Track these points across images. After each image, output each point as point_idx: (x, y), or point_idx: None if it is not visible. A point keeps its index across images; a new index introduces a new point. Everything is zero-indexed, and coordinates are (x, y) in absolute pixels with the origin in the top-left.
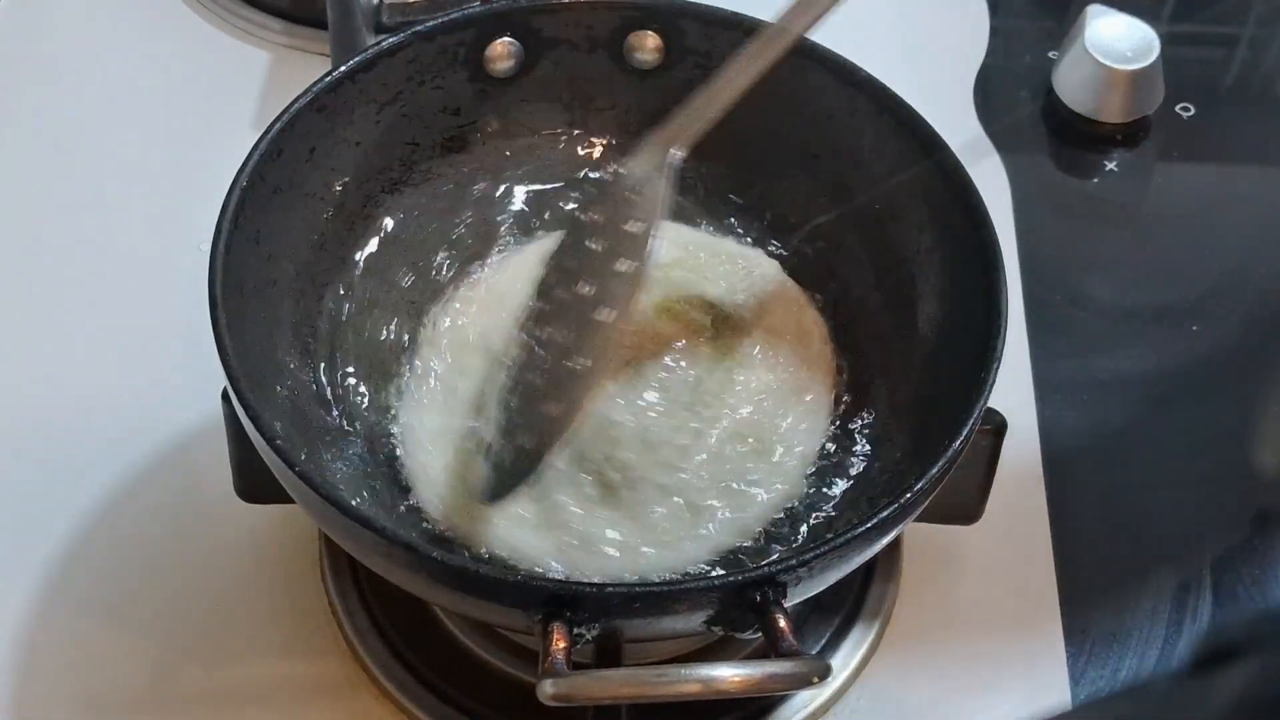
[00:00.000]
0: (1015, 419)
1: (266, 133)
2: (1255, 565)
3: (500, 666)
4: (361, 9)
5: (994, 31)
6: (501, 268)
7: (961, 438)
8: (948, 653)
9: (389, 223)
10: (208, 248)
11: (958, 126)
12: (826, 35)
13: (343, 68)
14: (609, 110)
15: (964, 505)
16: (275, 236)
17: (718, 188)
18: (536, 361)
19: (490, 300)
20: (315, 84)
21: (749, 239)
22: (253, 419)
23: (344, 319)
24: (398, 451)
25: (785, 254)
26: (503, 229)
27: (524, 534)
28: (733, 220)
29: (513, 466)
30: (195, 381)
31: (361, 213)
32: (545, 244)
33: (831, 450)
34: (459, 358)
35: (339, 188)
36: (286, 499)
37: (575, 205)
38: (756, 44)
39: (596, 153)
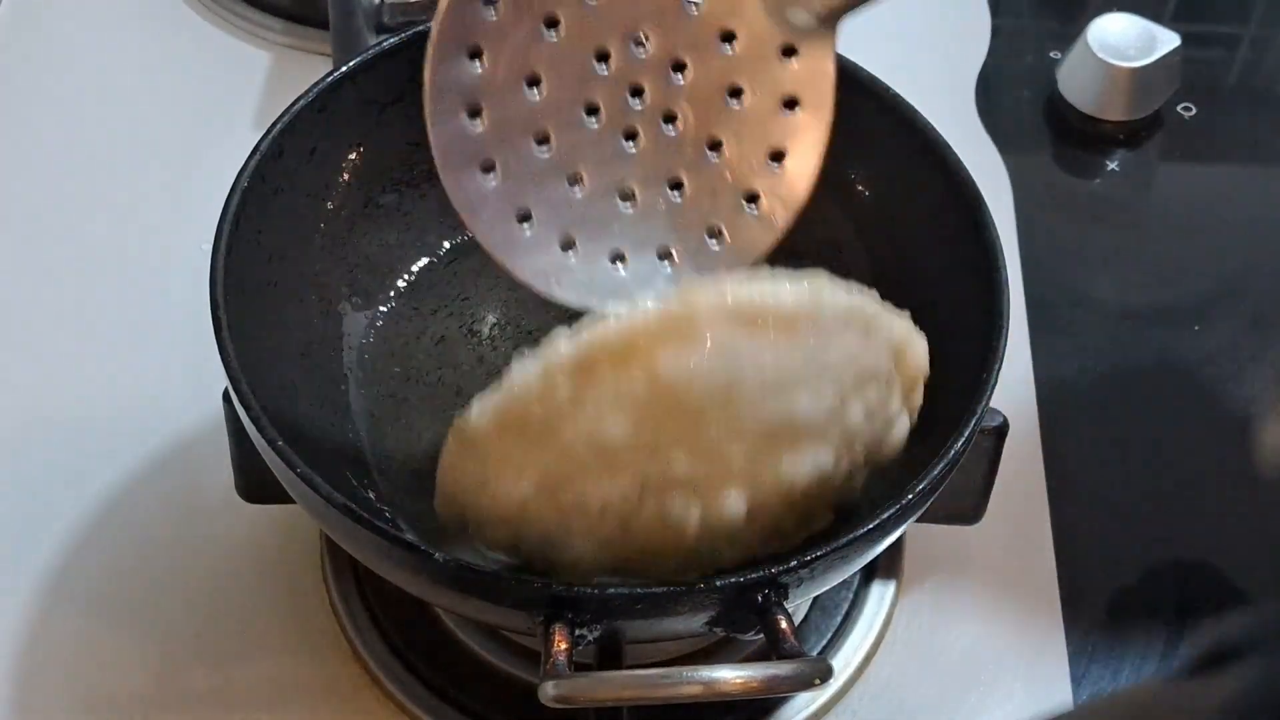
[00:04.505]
0: (1016, 420)
1: (268, 133)
2: (1258, 565)
3: (502, 667)
4: (363, 9)
5: (995, 31)
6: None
7: (963, 439)
8: (949, 653)
9: (391, 223)
10: (209, 248)
11: (959, 126)
12: None
13: (344, 68)
14: None
15: (965, 505)
16: (277, 237)
17: None
18: None
19: None
20: (316, 84)
21: None
22: (254, 420)
23: (345, 319)
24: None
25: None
26: None
27: None
28: None
29: None
30: (197, 381)
31: (363, 213)
32: None
33: None
34: None
35: (340, 188)
36: (288, 499)
37: None
38: None
39: None
